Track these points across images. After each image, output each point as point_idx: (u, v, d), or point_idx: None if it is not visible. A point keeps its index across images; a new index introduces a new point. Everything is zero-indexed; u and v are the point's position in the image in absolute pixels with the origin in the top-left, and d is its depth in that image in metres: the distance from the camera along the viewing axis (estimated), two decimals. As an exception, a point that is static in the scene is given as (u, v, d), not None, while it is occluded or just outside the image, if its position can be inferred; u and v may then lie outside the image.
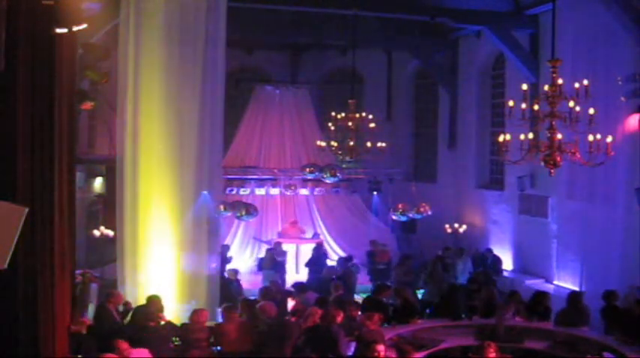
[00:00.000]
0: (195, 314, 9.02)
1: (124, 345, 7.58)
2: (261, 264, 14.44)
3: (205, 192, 11.79)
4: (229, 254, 14.84)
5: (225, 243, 15.57)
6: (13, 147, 6.58)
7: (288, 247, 15.81)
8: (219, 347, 8.97)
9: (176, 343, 8.91)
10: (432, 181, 19.34)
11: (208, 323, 9.25)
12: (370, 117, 13.60)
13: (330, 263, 15.39)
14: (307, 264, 14.66)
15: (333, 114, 13.88)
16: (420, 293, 12.83)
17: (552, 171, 7.76)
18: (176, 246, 11.25)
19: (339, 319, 8.50)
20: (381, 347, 7.28)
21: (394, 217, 16.79)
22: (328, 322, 8.36)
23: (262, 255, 15.20)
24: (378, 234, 18.32)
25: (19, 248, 5.49)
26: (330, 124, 14.05)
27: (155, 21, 10.89)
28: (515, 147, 7.81)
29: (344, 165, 15.66)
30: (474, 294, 11.18)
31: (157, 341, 8.29)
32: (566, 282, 13.34)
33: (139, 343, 7.97)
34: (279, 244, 15.16)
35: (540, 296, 10.66)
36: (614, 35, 11.95)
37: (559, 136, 7.61)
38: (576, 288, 12.55)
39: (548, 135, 7.66)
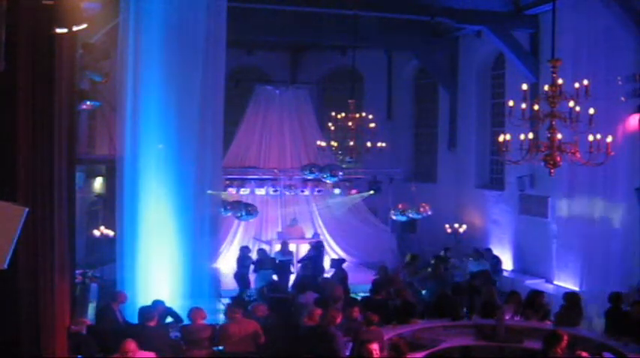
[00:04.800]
0: (193, 313, 9.01)
1: (131, 346, 7.48)
2: (258, 265, 14.44)
3: (209, 192, 11.80)
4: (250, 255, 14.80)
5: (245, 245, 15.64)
6: (13, 147, 6.57)
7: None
8: (220, 347, 8.96)
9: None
10: (432, 181, 19.34)
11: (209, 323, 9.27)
12: (370, 117, 13.61)
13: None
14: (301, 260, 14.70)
15: (333, 114, 13.89)
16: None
17: (552, 171, 7.76)
18: (176, 246, 11.25)
19: (338, 320, 8.49)
20: (374, 347, 7.28)
21: (394, 217, 16.83)
22: (326, 323, 8.36)
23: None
24: (378, 234, 18.36)
25: (19, 248, 5.49)
26: (330, 124, 14.06)
27: (155, 21, 10.89)
28: (515, 147, 7.82)
29: (344, 165, 15.67)
30: (475, 294, 11.19)
31: (156, 341, 8.27)
32: (566, 282, 13.34)
33: (138, 343, 7.95)
34: (286, 244, 15.16)
35: (535, 295, 10.67)
36: (614, 35, 11.96)
37: (559, 136, 7.61)
38: (576, 288, 12.55)
39: (548, 135, 7.67)
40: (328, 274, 14.27)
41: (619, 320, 9.28)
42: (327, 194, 18.24)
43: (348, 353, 8.23)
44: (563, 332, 7.64)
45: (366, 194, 18.11)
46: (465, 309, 10.31)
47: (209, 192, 11.70)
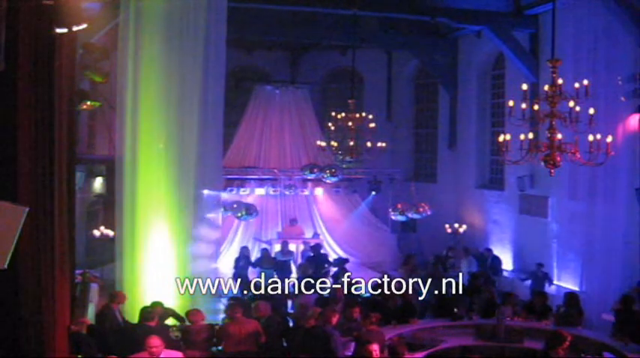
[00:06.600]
0: (192, 314, 9.01)
1: (156, 341, 7.48)
2: (256, 263, 14.47)
3: (207, 191, 11.80)
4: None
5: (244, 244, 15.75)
6: (13, 148, 6.58)
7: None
8: (220, 347, 8.96)
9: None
10: (432, 181, 19.34)
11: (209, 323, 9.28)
12: (370, 117, 13.61)
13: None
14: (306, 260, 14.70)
15: (333, 114, 13.89)
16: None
17: (552, 171, 7.76)
18: (175, 246, 11.24)
19: (335, 320, 8.49)
20: (374, 347, 7.30)
21: (393, 217, 16.84)
22: (323, 323, 8.36)
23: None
24: (378, 234, 18.36)
25: (20, 248, 5.50)
26: (330, 124, 14.06)
27: (155, 21, 10.88)
28: (515, 147, 7.81)
29: (344, 165, 15.67)
30: (474, 294, 11.20)
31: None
32: (566, 282, 13.33)
33: (138, 343, 7.96)
34: (286, 244, 15.18)
35: (538, 295, 10.70)
36: (614, 35, 11.95)
37: (559, 136, 7.61)
38: (576, 288, 12.55)
39: (548, 135, 7.66)
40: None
41: (628, 322, 9.25)
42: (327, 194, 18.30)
43: (348, 353, 8.23)
44: (566, 333, 7.65)
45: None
46: (464, 309, 10.30)
47: (206, 191, 11.71)
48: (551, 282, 13.44)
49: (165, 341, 8.37)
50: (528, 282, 13.76)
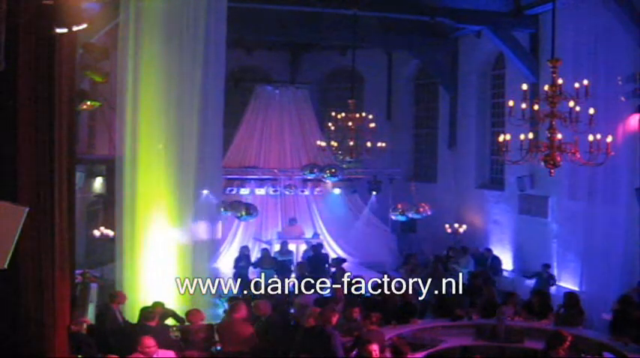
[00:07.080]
0: (191, 314, 9.00)
1: (150, 342, 7.52)
2: (257, 263, 14.47)
3: (206, 192, 11.81)
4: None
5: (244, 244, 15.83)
6: (13, 147, 6.57)
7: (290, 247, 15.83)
8: (219, 347, 8.96)
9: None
10: (432, 181, 19.34)
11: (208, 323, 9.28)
12: (370, 117, 13.61)
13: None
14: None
15: (333, 114, 13.90)
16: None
17: (552, 171, 7.77)
18: (175, 246, 11.24)
19: (335, 320, 8.48)
20: (374, 347, 7.30)
21: (393, 217, 16.85)
22: (323, 323, 8.36)
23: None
24: (378, 234, 18.36)
25: (20, 248, 5.49)
26: (330, 124, 14.06)
27: (155, 21, 10.88)
28: (515, 147, 7.82)
29: (344, 165, 15.68)
30: (474, 294, 11.20)
31: (156, 342, 8.26)
32: (566, 283, 13.33)
33: (137, 343, 7.95)
34: (285, 244, 15.17)
35: (537, 295, 10.69)
36: (614, 35, 11.96)
37: (559, 136, 7.62)
38: (576, 288, 12.55)
39: (548, 135, 7.67)
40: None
41: (627, 322, 9.24)
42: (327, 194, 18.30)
43: (347, 353, 8.23)
44: (566, 333, 7.66)
45: None
46: (464, 309, 10.30)
47: (206, 191, 11.72)
48: (553, 283, 13.43)
49: (166, 341, 8.39)
50: (532, 281, 13.75)
